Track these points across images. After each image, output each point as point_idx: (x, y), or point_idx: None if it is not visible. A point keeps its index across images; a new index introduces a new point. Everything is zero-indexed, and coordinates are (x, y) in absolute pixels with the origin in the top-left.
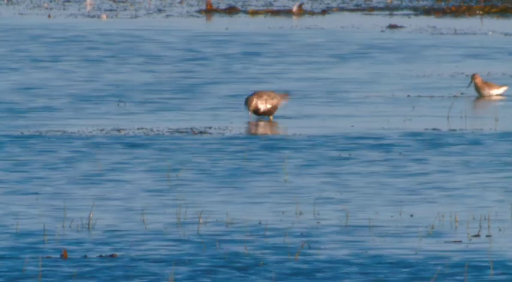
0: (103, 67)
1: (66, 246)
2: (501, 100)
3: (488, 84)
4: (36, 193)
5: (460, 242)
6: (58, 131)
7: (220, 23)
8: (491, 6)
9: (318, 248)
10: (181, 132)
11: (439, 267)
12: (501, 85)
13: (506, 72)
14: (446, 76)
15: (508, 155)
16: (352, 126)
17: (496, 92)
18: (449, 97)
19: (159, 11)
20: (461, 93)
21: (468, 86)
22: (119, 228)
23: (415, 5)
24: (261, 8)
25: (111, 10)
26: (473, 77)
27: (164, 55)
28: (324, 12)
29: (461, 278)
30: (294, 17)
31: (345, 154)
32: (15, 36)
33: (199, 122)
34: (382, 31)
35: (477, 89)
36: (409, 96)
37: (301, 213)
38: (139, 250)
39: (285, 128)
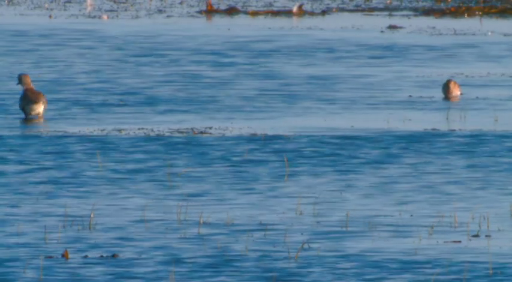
0: (105, 66)
1: (67, 246)
2: (496, 101)
3: (456, 85)
4: (37, 193)
5: (460, 242)
6: (59, 130)
7: (221, 24)
8: (491, 7)
9: (318, 248)
10: (181, 132)
11: (439, 268)
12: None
13: (505, 73)
14: (446, 76)
15: (507, 155)
16: (352, 126)
17: (459, 93)
18: (449, 97)
19: (160, 11)
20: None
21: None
22: (120, 228)
23: (415, 5)
24: (261, 9)
25: (111, 11)
26: (448, 82)
27: (171, 54)
28: (323, 12)
29: (461, 278)
30: (294, 18)
31: (344, 154)
32: (18, 36)
33: (199, 122)
34: (382, 31)
35: (447, 92)
36: (410, 96)
37: (301, 213)
38: (140, 250)
39: (285, 128)
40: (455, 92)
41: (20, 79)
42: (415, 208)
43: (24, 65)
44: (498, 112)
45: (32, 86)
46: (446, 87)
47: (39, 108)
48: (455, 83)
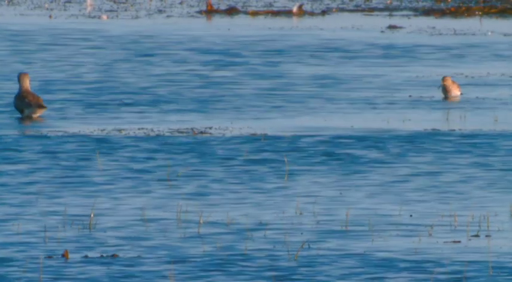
0: (105, 66)
1: (67, 246)
2: (496, 101)
3: (455, 85)
4: (37, 193)
5: (460, 242)
6: (59, 130)
7: (221, 24)
8: (491, 7)
9: (318, 248)
10: (181, 132)
11: (439, 267)
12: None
13: (505, 73)
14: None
15: (507, 155)
16: (352, 126)
17: (458, 93)
18: (448, 97)
19: (160, 11)
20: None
21: (439, 88)
22: (120, 228)
23: (415, 5)
24: (261, 9)
25: (111, 11)
26: (444, 79)
27: (170, 54)
28: (323, 12)
29: (460, 278)
30: (294, 18)
31: (344, 154)
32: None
33: (199, 122)
34: (382, 32)
35: (446, 91)
36: (410, 96)
37: (301, 213)
38: (139, 250)
39: (285, 128)
40: (454, 91)
41: (18, 78)
42: (415, 208)
43: (25, 65)
44: (498, 112)
45: (29, 86)
46: (443, 87)
47: (40, 113)
48: (453, 82)
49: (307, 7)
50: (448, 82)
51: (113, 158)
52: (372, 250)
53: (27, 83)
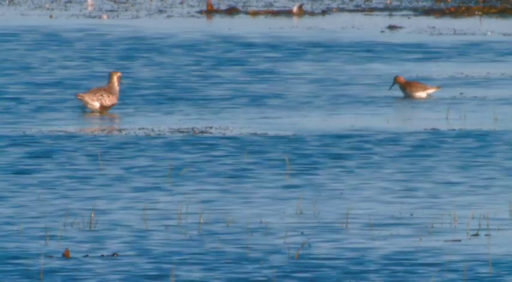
0: (105, 66)
1: (68, 246)
2: (496, 100)
3: (410, 84)
4: (38, 193)
5: (460, 241)
6: (60, 130)
7: (221, 24)
8: (490, 7)
9: (318, 248)
10: (182, 132)
11: (439, 267)
12: (429, 86)
13: (505, 73)
14: (446, 76)
15: (507, 154)
16: (352, 125)
17: (420, 94)
18: (449, 97)
19: (160, 11)
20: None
21: (390, 88)
22: (121, 227)
23: (415, 5)
24: (262, 9)
25: (112, 11)
26: (395, 79)
27: (167, 53)
28: (323, 12)
29: (460, 277)
30: (294, 18)
31: (344, 154)
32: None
33: (200, 122)
34: (382, 31)
35: (401, 89)
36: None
37: (301, 213)
38: (140, 250)
39: (285, 128)
40: (413, 89)
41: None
42: (415, 207)
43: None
44: (498, 112)
45: (115, 85)
46: (400, 87)
47: (90, 105)
48: (410, 81)
49: (307, 7)
50: (400, 81)
51: (113, 158)
52: (372, 249)
53: (113, 81)
